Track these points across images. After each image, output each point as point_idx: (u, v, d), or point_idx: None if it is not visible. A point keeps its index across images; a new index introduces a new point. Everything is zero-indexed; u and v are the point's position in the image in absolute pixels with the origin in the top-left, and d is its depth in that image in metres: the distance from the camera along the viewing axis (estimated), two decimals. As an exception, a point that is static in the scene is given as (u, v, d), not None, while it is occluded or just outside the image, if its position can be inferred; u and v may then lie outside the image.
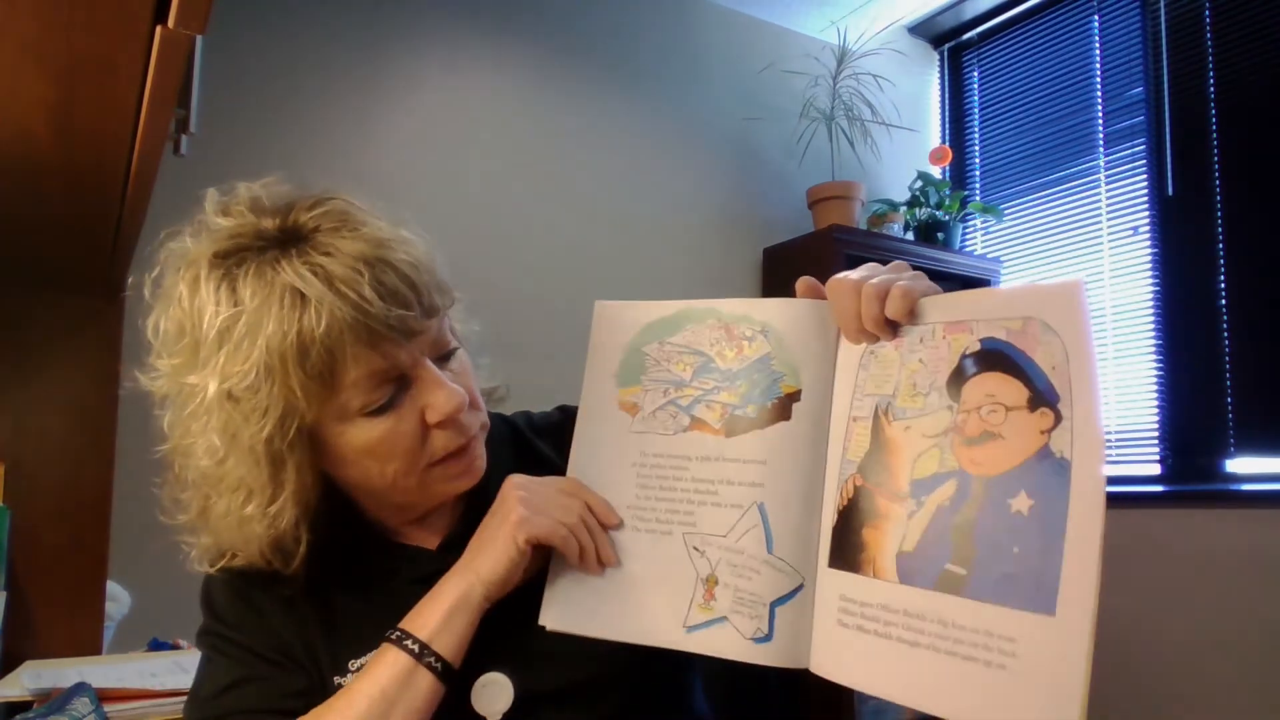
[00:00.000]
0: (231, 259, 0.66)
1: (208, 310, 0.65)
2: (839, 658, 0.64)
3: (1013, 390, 0.60)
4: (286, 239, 0.67)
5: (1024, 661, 0.56)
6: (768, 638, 0.66)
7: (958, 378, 0.63)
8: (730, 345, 0.73)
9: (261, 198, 0.70)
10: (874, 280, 0.65)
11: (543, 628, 0.72)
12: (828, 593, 0.66)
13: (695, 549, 0.70)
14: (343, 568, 0.75)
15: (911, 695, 0.60)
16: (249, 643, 0.72)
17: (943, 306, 0.65)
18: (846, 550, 0.65)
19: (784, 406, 0.70)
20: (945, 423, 0.63)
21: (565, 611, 0.72)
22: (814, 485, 0.68)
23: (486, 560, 0.70)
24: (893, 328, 0.66)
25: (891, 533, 0.63)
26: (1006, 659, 0.56)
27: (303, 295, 0.64)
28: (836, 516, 0.67)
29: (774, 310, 0.72)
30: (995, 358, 0.61)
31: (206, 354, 0.65)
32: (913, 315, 0.65)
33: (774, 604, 0.66)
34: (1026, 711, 0.55)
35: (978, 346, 0.62)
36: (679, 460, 0.72)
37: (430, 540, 0.78)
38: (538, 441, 0.86)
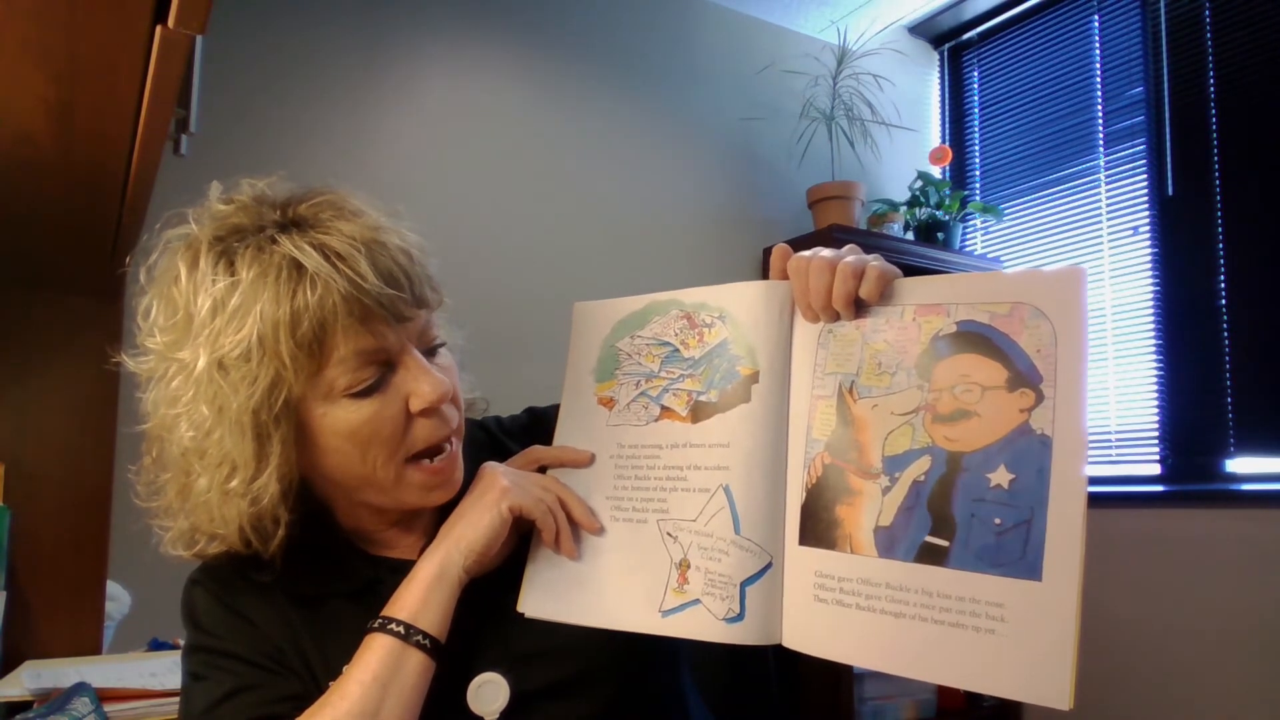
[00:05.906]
0: (231, 239, 0.68)
1: (204, 286, 0.66)
2: (816, 632, 0.65)
3: (989, 371, 0.62)
4: (286, 224, 0.68)
5: (1013, 625, 0.57)
6: (739, 617, 0.67)
7: (928, 358, 0.64)
8: (693, 333, 0.75)
9: (264, 191, 0.72)
10: (849, 259, 0.67)
11: (534, 626, 0.73)
12: (799, 569, 0.67)
13: (669, 534, 0.71)
14: (328, 579, 0.76)
15: (900, 663, 0.61)
16: (239, 651, 0.72)
17: (916, 289, 0.66)
18: (818, 527, 0.66)
19: (744, 389, 0.71)
20: (915, 401, 0.64)
21: (543, 598, 0.74)
22: (777, 464, 0.69)
23: (468, 529, 0.70)
24: (857, 308, 0.67)
25: (866, 509, 0.64)
26: (995, 624, 0.58)
27: (300, 266, 0.65)
28: (804, 494, 0.68)
29: (730, 295, 0.74)
30: (972, 340, 0.63)
31: (199, 327, 0.66)
32: (882, 297, 0.67)
33: (744, 584, 0.67)
34: (1018, 673, 0.56)
35: (953, 329, 0.64)
36: (651, 449, 0.74)
37: (410, 552, 0.78)
38: (510, 444, 0.86)
